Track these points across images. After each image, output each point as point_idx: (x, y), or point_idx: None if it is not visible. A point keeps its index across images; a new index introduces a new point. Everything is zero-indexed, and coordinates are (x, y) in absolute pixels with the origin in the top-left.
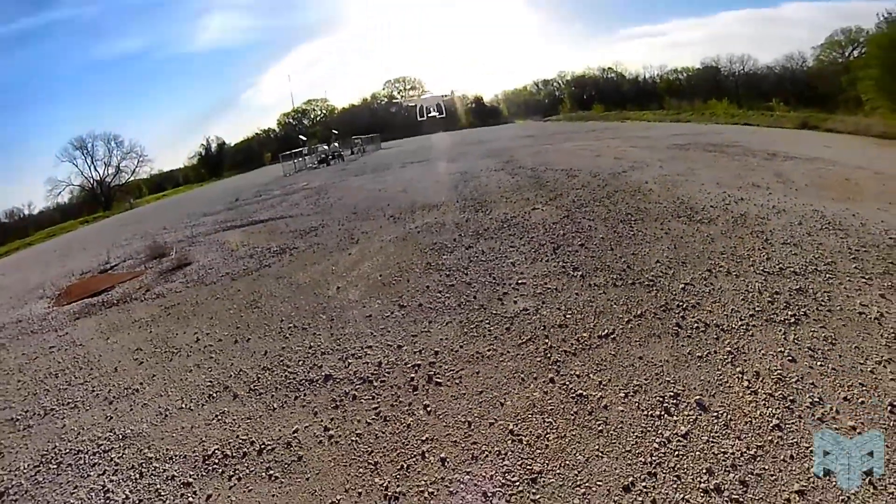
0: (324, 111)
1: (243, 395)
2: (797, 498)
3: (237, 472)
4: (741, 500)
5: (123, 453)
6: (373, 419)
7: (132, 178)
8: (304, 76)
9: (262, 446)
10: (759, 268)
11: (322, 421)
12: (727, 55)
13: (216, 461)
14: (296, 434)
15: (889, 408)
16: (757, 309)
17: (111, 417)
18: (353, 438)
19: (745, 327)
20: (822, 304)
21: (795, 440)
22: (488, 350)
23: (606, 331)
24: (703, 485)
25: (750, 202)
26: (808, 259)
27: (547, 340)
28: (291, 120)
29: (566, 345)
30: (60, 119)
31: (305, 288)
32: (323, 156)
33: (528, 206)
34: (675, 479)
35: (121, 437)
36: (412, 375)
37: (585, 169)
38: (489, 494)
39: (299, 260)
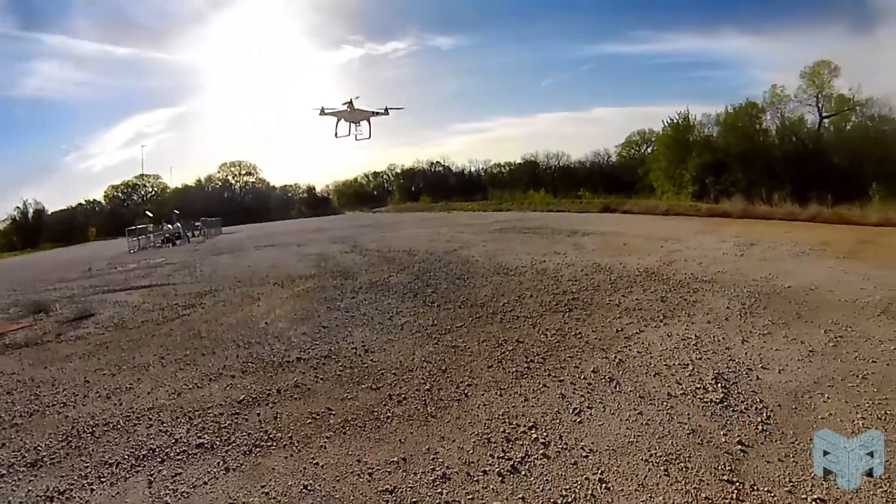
0: (155, 189)
1: (238, 375)
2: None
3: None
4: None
5: (160, 415)
6: (344, 367)
7: None
8: (137, 149)
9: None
10: (551, 292)
11: (308, 372)
12: (545, 151)
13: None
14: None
15: (615, 331)
16: (547, 308)
17: (121, 403)
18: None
19: (539, 315)
20: (587, 302)
21: (571, 343)
22: (395, 337)
23: (460, 324)
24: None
25: (550, 262)
26: (583, 286)
27: (427, 332)
28: (121, 194)
29: (440, 331)
30: None
31: (237, 325)
32: (167, 235)
33: (384, 274)
34: (495, 359)
35: (147, 409)
36: (353, 355)
37: (423, 249)
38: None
39: (213, 311)
